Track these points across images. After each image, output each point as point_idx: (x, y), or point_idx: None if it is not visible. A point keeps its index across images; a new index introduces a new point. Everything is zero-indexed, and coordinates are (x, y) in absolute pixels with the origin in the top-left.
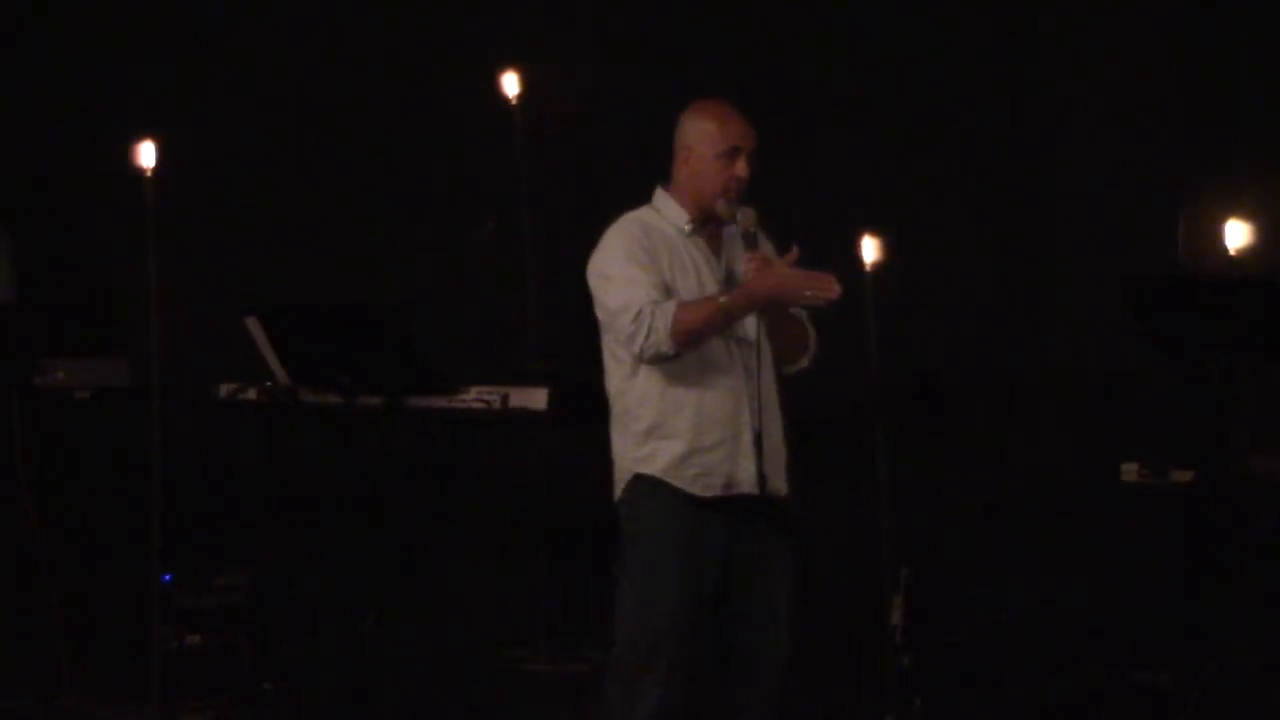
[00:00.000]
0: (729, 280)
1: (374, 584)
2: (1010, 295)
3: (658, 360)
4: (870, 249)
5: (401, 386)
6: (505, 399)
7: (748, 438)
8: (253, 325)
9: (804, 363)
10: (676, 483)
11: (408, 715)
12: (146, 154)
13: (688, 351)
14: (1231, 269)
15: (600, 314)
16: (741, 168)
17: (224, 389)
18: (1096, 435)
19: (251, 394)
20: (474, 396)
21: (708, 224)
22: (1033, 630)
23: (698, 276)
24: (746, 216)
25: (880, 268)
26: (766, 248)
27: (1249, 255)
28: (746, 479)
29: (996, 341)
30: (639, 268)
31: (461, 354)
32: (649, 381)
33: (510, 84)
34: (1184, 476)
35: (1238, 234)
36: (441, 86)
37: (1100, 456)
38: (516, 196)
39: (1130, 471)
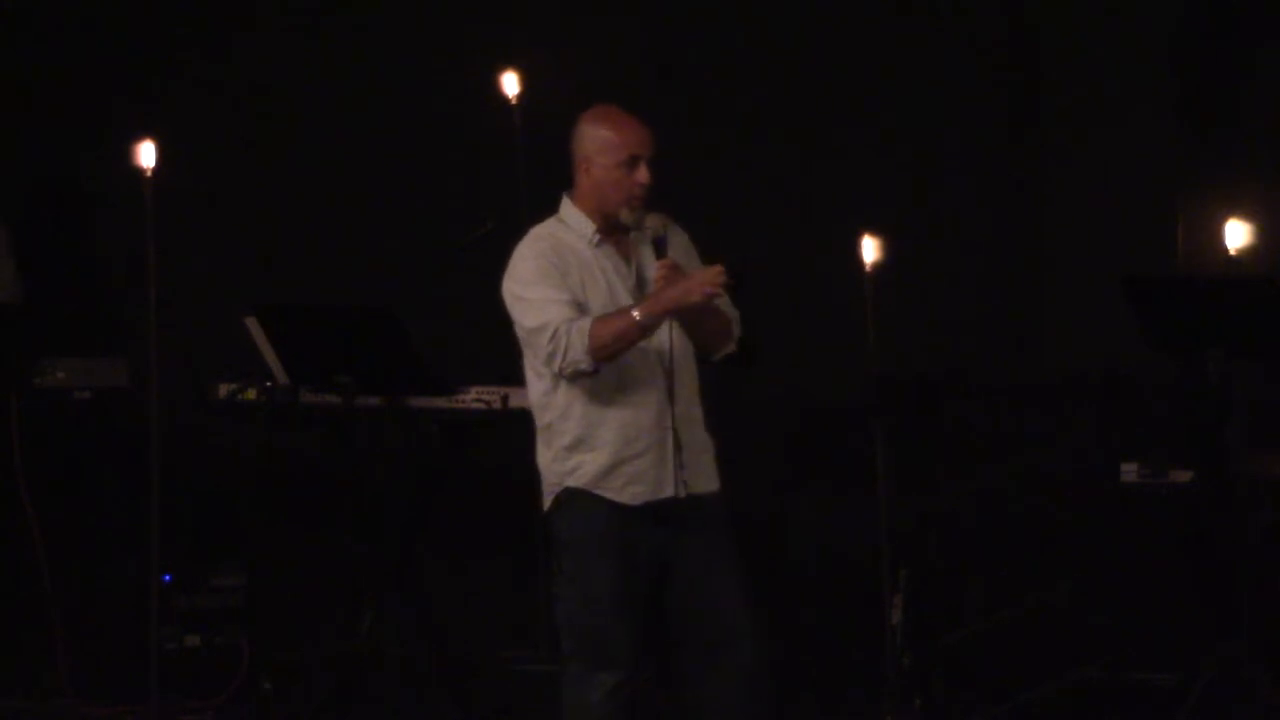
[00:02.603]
0: (641, 287)
1: (372, 584)
2: (1010, 295)
3: (578, 377)
4: (870, 249)
5: (401, 386)
6: (505, 399)
7: (669, 443)
8: (252, 325)
9: (730, 347)
10: (605, 493)
11: (406, 715)
12: (146, 154)
13: (606, 365)
14: (1231, 269)
15: (519, 332)
16: (643, 174)
17: (224, 389)
18: (1095, 435)
19: (251, 394)
20: (474, 396)
21: (615, 232)
22: (1032, 630)
23: (609, 287)
24: (655, 222)
25: (880, 268)
26: (680, 246)
27: (1249, 255)
28: (667, 484)
29: (996, 341)
30: (550, 286)
31: (461, 354)
32: (570, 396)
33: (510, 84)
34: (1183, 476)
35: (1238, 234)
36: (441, 86)
37: (1099, 457)
38: (516, 196)
39: (1130, 472)
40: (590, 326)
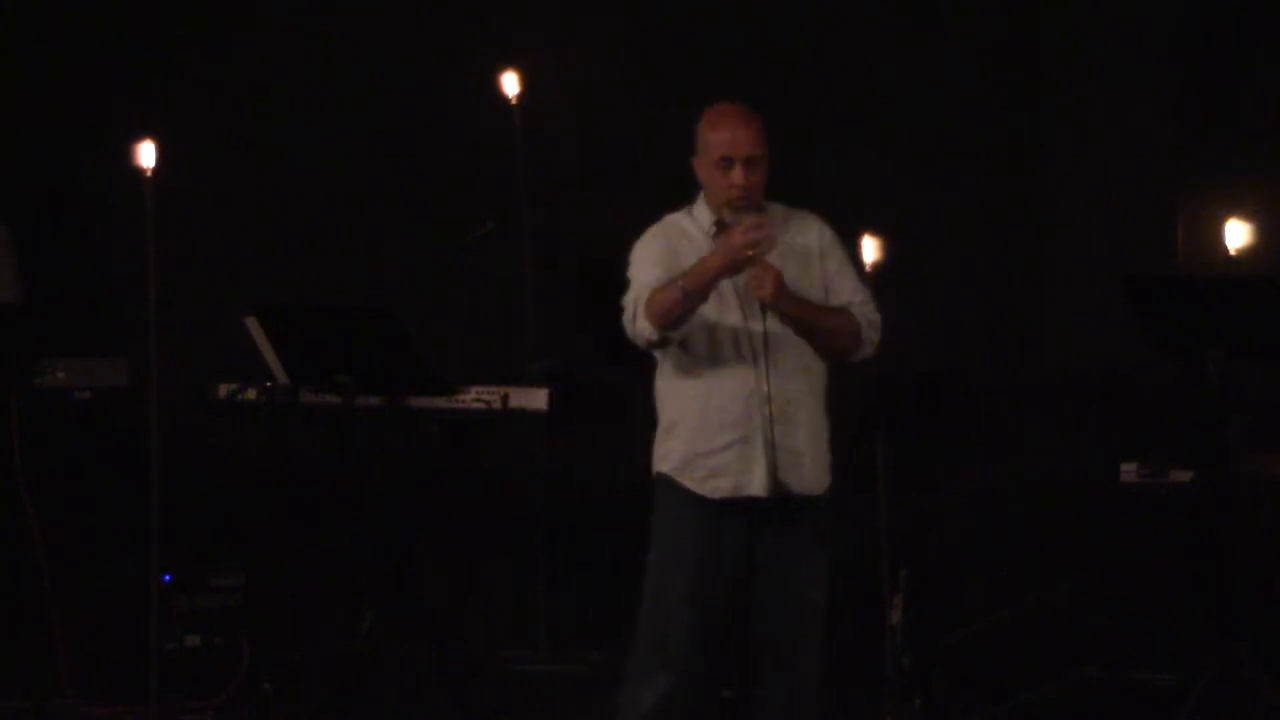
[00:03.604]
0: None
1: (373, 584)
2: (1010, 295)
3: (652, 347)
4: (870, 249)
5: (401, 386)
6: (505, 399)
7: (760, 440)
8: (252, 325)
9: (864, 351)
10: (686, 483)
11: (406, 715)
12: (146, 154)
13: (673, 334)
14: (1231, 269)
15: None
16: (738, 176)
17: (224, 389)
18: (1095, 435)
19: (251, 394)
20: (474, 396)
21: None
22: (1032, 630)
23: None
24: (752, 222)
25: (880, 268)
26: (795, 246)
27: (1249, 255)
28: (757, 482)
29: (996, 341)
30: (652, 265)
31: (461, 354)
32: (666, 380)
33: (510, 84)
34: (1183, 476)
35: (1238, 234)
36: (441, 86)
37: (1099, 456)
38: (516, 196)
39: (1129, 471)
40: (649, 295)
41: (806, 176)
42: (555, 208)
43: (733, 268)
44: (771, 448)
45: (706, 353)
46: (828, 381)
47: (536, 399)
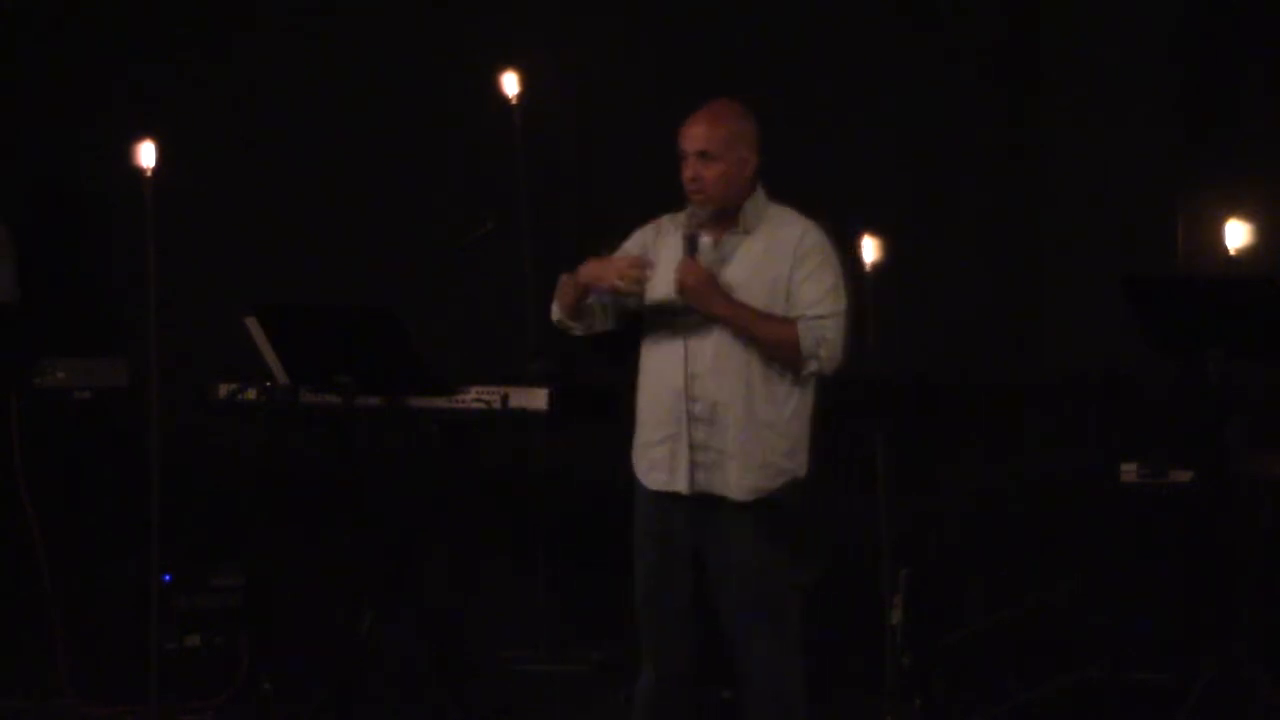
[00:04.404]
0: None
1: (373, 584)
2: (1010, 295)
3: (564, 332)
4: (870, 249)
5: (401, 387)
6: (505, 399)
7: (685, 439)
8: (252, 325)
9: (810, 367)
10: (637, 473)
11: (406, 715)
12: (146, 154)
13: (570, 324)
14: (1231, 269)
15: None
16: (687, 169)
17: (224, 389)
18: (1095, 435)
19: (251, 394)
20: (474, 396)
21: (723, 222)
22: (1032, 630)
23: (666, 272)
24: (692, 219)
25: (880, 268)
26: (740, 248)
27: (1249, 255)
28: (680, 480)
29: (996, 341)
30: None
31: (461, 354)
32: (639, 377)
33: (510, 84)
34: (1183, 476)
35: (1238, 234)
36: (441, 86)
37: (1099, 456)
38: (516, 196)
39: (1129, 471)
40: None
41: (806, 176)
42: (555, 208)
43: (598, 288)
44: (691, 448)
45: (650, 349)
46: (796, 385)
47: (536, 399)
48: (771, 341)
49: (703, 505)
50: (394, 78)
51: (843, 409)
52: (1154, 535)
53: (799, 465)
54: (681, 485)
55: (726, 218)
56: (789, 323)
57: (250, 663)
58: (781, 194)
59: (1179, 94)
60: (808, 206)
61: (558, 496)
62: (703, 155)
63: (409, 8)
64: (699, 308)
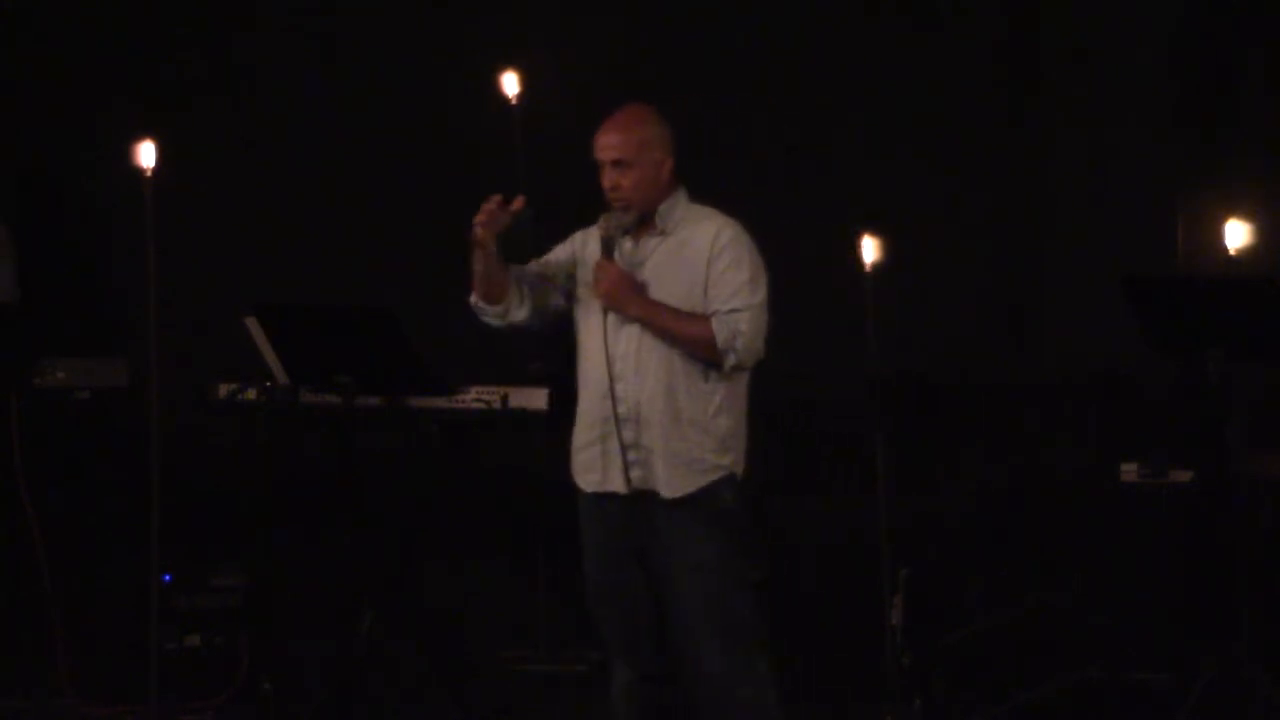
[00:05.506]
0: None
1: (373, 584)
2: (1010, 295)
3: (479, 319)
4: (870, 249)
5: (401, 386)
6: (505, 399)
7: (615, 438)
8: (252, 325)
9: (729, 361)
10: (575, 477)
11: (406, 715)
12: (146, 154)
13: (485, 307)
14: (1231, 269)
15: None
16: (605, 178)
17: (224, 389)
18: (1095, 435)
19: (251, 394)
20: (474, 396)
21: (648, 226)
22: (1032, 630)
23: (588, 273)
24: (611, 224)
25: (880, 268)
26: (660, 249)
27: (1249, 255)
28: (615, 479)
29: (996, 341)
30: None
31: (461, 354)
32: None
33: (510, 84)
34: (1183, 476)
35: (1238, 234)
36: (441, 86)
37: (1099, 456)
38: (516, 196)
39: (1129, 471)
40: None
41: (807, 176)
42: (555, 208)
43: (479, 245)
44: (623, 447)
45: (580, 352)
46: (721, 381)
47: (536, 399)
48: (688, 339)
49: (639, 503)
50: (394, 78)
51: (842, 409)
52: (1154, 535)
53: (733, 462)
54: (617, 484)
55: (646, 219)
56: (704, 319)
57: (250, 663)
58: (782, 194)
59: (1179, 93)
60: (808, 206)
61: (558, 496)
62: (617, 164)
63: (409, 8)
64: (615, 309)
